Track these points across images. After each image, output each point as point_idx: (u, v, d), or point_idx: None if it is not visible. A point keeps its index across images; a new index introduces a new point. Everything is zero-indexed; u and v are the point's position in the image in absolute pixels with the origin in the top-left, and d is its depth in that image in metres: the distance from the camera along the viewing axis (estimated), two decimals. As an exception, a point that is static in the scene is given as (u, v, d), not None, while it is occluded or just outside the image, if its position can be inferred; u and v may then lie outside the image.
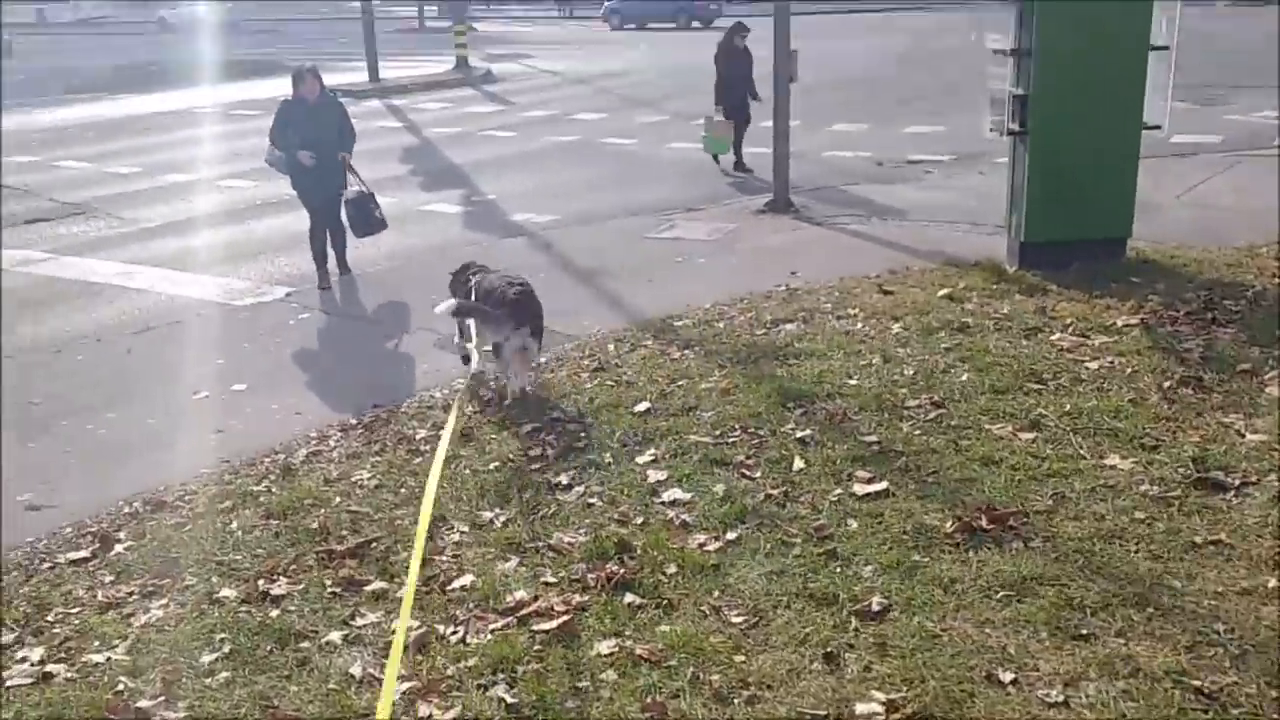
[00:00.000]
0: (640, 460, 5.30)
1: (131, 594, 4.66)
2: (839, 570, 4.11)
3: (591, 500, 4.95)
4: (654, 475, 5.10)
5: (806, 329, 7.10)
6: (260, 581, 4.57)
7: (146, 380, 7.53)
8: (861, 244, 9.74)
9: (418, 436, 6.05)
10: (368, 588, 4.42)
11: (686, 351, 6.96)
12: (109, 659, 4.15)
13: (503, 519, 4.88)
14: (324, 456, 6.00)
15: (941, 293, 7.61)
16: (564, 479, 5.20)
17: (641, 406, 5.98)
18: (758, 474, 4.97)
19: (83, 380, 7.60)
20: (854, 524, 4.45)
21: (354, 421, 6.48)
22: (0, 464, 6.22)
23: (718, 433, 5.50)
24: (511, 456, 5.55)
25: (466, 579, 4.37)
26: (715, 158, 13.88)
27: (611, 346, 7.31)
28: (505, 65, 26.75)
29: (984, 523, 4.29)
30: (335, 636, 4.09)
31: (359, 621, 4.18)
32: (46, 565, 5.07)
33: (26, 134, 19.27)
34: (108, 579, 4.84)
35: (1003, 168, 12.37)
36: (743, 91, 13.47)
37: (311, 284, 9.51)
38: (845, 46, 25.20)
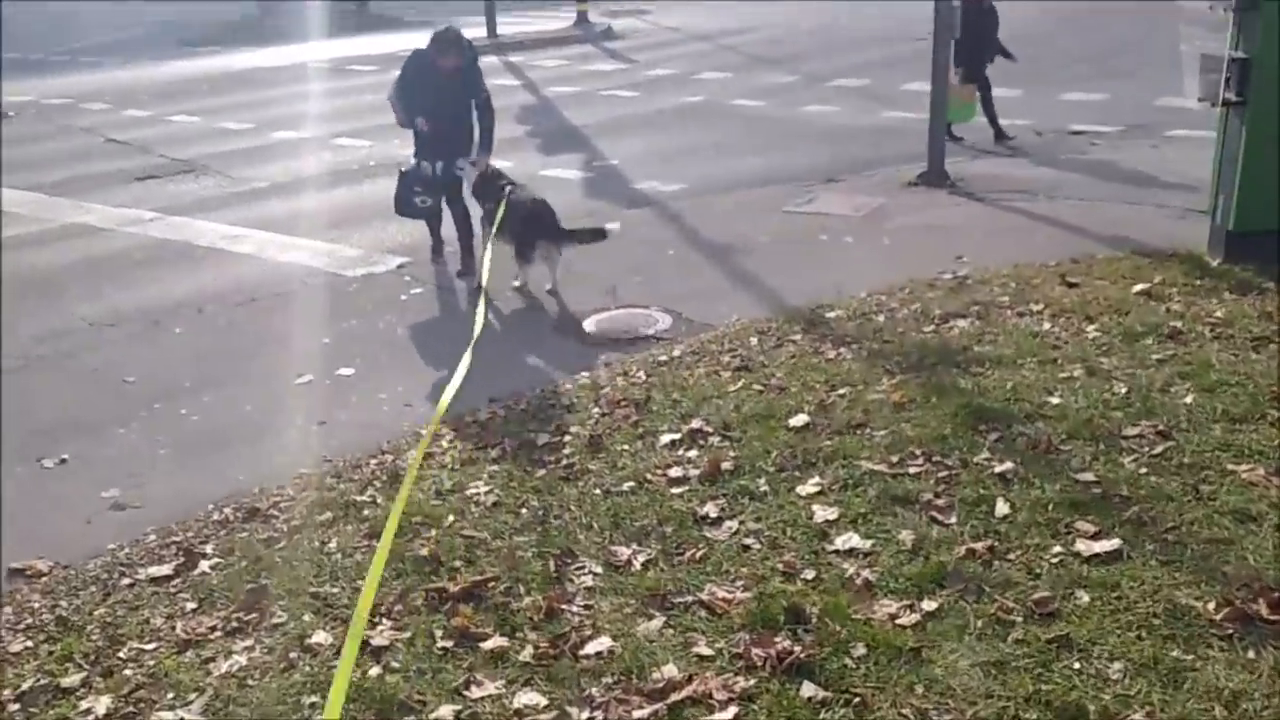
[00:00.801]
0: (803, 491, 4.47)
1: (213, 629, 4.02)
2: (1078, 667, 3.23)
3: (748, 541, 4.15)
4: (821, 512, 4.26)
5: (984, 327, 6.17)
6: (360, 624, 3.88)
7: (247, 359, 6.95)
8: (1031, 224, 8.70)
9: (540, 442, 5.31)
10: (484, 644, 3.69)
11: (843, 350, 6.09)
12: None
13: (642, 559, 4.11)
14: (435, 461, 5.30)
15: (1137, 288, 6.59)
16: (712, 509, 4.40)
17: (798, 420, 5.14)
18: (952, 520, 4.10)
19: (180, 356, 7.06)
20: (1085, 597, 3.56)
21: (469, 420, 5.78)
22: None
23: (894, 459, 4.63)
24: (649, 476, 4.77)
25: (603, 642, 3.61)
26: (949, 128, 11.42)
27: (755, 340, 6.48)
28: (625, 21, 25.82)
29: (1262, 609, 3.37)
30: (446, 713, 3.37)
31: (475, 693, 3.45)
32: (126, 581, 4.48)
33: (139, 88, 19.06)
34: (189, 606, 4.21)
35: (1176, 141, 11.25)
36: (987, 53, 11.80)
37: (427, 255, 8.83)
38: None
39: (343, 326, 7.43)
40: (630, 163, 12.13)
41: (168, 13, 32.48)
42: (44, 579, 4.59)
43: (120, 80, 20.05)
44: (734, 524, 4.27)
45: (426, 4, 33.94)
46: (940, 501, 4.22)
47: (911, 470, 4.52)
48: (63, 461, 5.70)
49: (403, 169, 8.37)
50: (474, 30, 23.13)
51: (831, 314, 6.78)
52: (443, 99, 8.04)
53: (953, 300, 6.75)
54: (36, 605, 4.36)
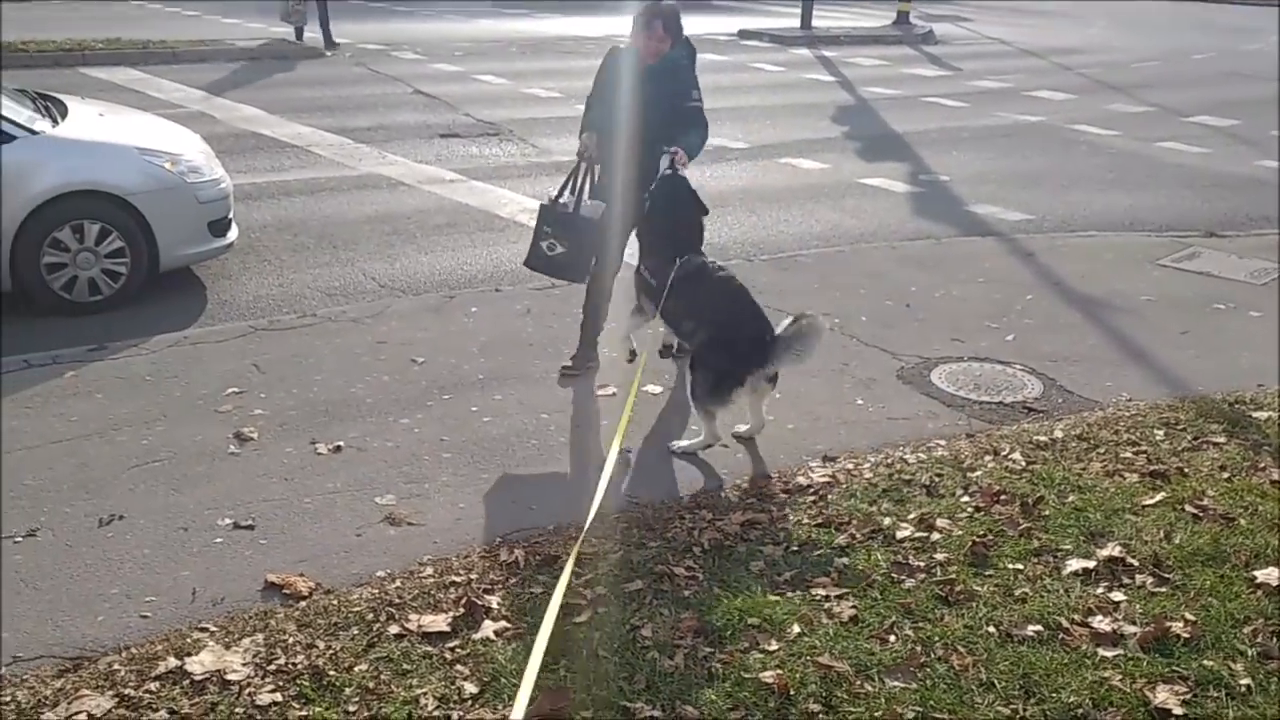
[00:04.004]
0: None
1: (498, 735, 3.13)
2: None
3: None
4: (1349, 745, 2.97)
5: None
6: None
7: (546, 356, 6.14)
8: None
9: (899, 535, 4.20)
10: None
11: (1294, 474, 4.68)
12: None
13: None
14: (765, 533, 4.28)
15: None
16: (1170, 701, 3.16)
17: (1267, 574, 3.81)
18: None
19: (474, 341, 6.33)
20: None
21: (802, 481, 4.73)
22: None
23: None
24: (1063, 623, 3.57)
25: None
26: None
27: (1161, 434, 5.15)
28: (945, 26, 24.18)
29: None
30: None
31: None
32: (394, 630, 3.66)
33: (451, 42, 19.00)
34: (468, 689, 3.35)
35: None
36: None
37: (738, 259, 7.83)
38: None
39: (647, 333, 6.51)
40: (963, 182, 10.81)
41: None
42: (303, 604, 3.85)
43: (432, 32, 20.13)
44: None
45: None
46: None
47: None
48: (337, 449, 5.01)
49: (544, 200, 5.90)
50: (788, 20, 22.17)
51: (1259, 414, 5.36)
52: (634, 107, 5.56)
53: None
54: (290, 641, 3.61)
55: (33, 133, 6.56)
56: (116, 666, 3.43)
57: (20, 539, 4.16)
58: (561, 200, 5.71)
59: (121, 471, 4.71)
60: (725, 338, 5.01)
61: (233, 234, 7.35)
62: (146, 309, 6.73)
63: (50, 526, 4.26)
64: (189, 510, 4.42)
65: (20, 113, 6.71)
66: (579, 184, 5.67)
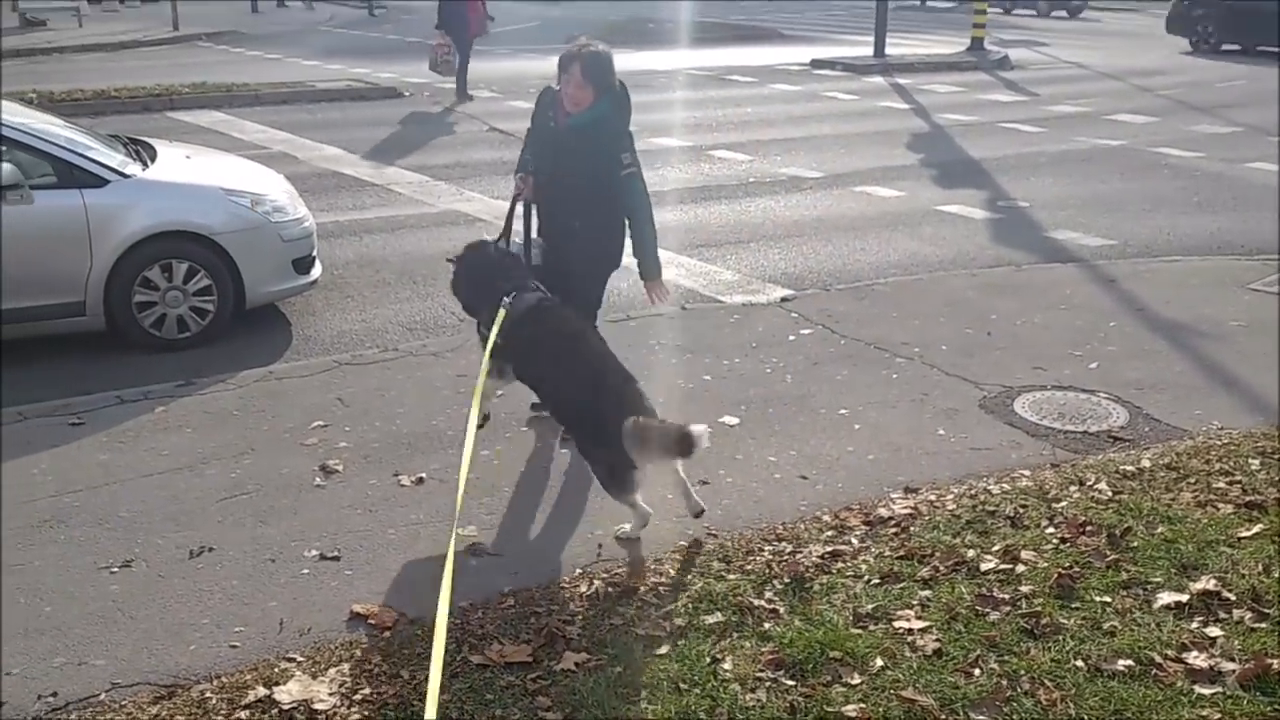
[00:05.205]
0: None
1: (580, 766, 3.13)
2: None
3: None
4: None
5: None
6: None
7: (620, 388, 6.15)
8: None
9: (983, 567, 4.14)
10: None
11: (1397, 502, 4.52)
12: None
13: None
14: (846, 566, 4.24)
15: None
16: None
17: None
18: None
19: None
20: None
21: (883, 512, 4.68)
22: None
23: None
24: (1155, 658, 3.48)
25: None
26: None
27: (1256, 464, 5.00)
28: (1020, 52, 23.90)
29: None
30: None
31: None
32: (477, 660, 3.70)
33: (525, 79, 19.25)
34: (550, 719, 3.35)
35: None
36: None
37: (814, 289, 7.83)
38: None
39: (724, 364, 6.53)
40: (1042, 207, 10.67)
41: (557, 10, 33.53)
42: (387, 634, 3.90)
43: (508, 70, 20.44)
44: (1314, 775, 2.94)
45: (801, 16, 33.34)
46: None
47: None
48: (420, 481, 5.08)
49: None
50: (861, 49, 22.14)
51: (1358, 443, 5.19)
52: (562, 161, 5.20)
53: None
54: (375, 671, 3.66)
55: (124, 176, 6.79)
56: (208, 695, 3.50)
57: (116, 569, 4.28)
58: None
59: (210, 504, 4.82)
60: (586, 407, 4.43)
61: (316, 271, 7.51)
62: (233, 345, 6.91)
63: (144, 558, 4.37)
64: (276, 542, 4.51)
65: (113, 158, 6.95)
66: (525, 228, 5.37)
